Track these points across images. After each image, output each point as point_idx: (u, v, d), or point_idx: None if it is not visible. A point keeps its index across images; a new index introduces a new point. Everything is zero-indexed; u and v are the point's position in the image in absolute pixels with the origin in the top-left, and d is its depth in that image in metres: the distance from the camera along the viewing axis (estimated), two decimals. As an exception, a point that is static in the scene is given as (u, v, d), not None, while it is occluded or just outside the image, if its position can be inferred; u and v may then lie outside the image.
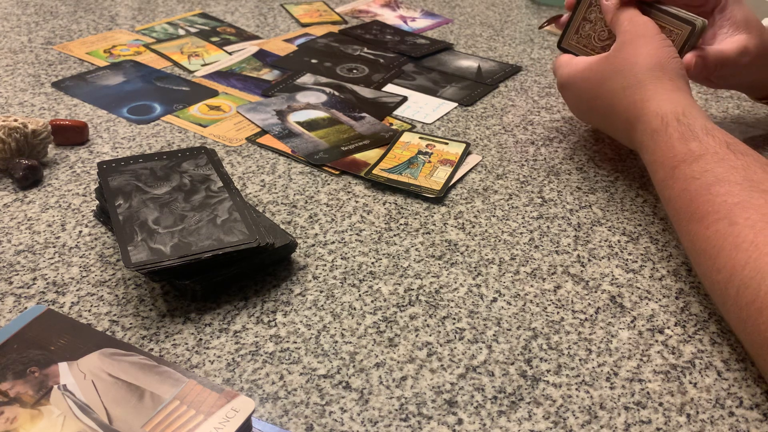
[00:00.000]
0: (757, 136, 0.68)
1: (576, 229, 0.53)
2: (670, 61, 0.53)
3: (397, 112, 0.70)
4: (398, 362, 0.40)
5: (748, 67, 0.58)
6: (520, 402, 0.38)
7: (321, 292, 0.46)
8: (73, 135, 0.62)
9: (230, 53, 0.82)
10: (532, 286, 0.47)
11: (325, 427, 0.36)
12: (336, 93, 0.72)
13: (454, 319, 0.44)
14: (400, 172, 0.58)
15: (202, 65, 0.79)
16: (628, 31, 0.55)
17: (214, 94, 0.72)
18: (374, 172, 0.58)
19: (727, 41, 0.57)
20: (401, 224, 0.53)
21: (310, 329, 0.43)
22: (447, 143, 0.63)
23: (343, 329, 0.43)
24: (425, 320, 0.44)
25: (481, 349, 0.42)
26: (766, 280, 0.37)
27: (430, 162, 0.60)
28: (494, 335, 0.43)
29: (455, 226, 0.53)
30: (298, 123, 0.66)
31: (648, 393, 0.39)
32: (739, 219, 0.41)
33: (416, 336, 0.42)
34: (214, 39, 0.86)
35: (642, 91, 0.51)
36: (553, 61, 0.64)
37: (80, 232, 0.51)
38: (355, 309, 0.44)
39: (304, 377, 0.39)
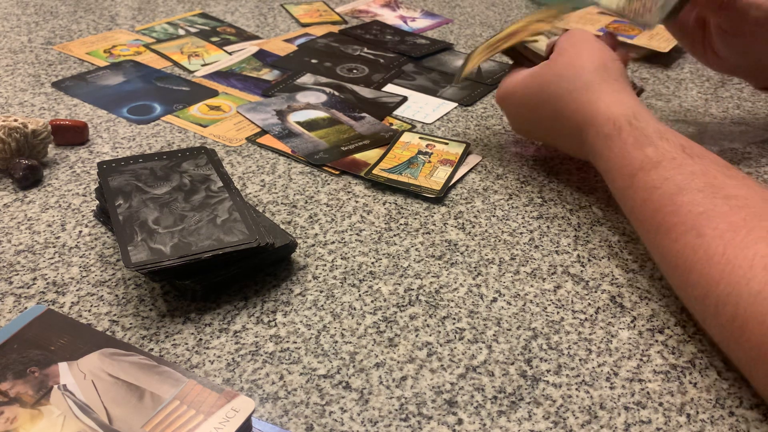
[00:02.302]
0: (757, 136, 0.68)
1: (576, 229, 0.53)
2: (613, 62, 0.53)
3: (397, 112, 0.70)
4: (398, 362, 0.40)
5: (755, 34, 0.56)
6: (520, 402, 0.38)
7: (321, 292, 0.46)
8: (73, 135, 0.62)
9: (230, 53, 0.82)
10: (532, 286, 0.47)
11: (325, 427, 0.36)
12: (336, 93, 0.72)
13: (454, 319, 0.44)
14: (400, 172, 0.58)
15: (202, 65, 0.79)
16: (566, 39, 0.56)
17: (214, 94, 0.72)
18: (374, 172, 0.58)
19: None
20: (401, 224, 0.53)
21: (310, 329, 0.43)
22: (447, 143, 0.63)
23: (343, 329, 0.43)
24: (425, 320, 0.44)
25: (481, 349, 0.42)
26: (743, 296, 0.36)
27: (430, 162, 0.60)
28: (494, 335, 0.43)
29: (455, 226, 0.53)
30: (298, 123, 0.66)
31: (648, 393, 0.39)
32: (707, 230, 0.40)
33: (416, 336, 0.42)
34: (214, 39, 0.86)
35: (589, 93, 0.51)
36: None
37: (80, 232, 0.51)
38: (355, 309, 0.44)
39: (304, 377, 0.39)
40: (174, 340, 0.41)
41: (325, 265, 0.48)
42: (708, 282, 0.39)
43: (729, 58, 0.61)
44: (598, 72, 0.52)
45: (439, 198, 0.56)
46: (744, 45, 0.59)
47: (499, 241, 0.51)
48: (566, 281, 0.47)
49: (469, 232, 0.52)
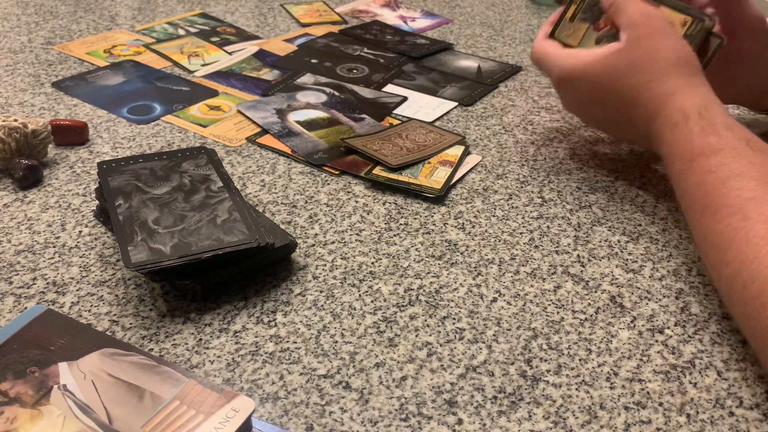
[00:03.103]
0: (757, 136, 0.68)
1: (576, 229, 0.53)
2: (691, 56, 0.53)
3: (397, 111, 0.70)
4: (398, 362, 0.40)
5: (759, 61, 0.58)
6: (520, 402, 0.38)
7: (321, 292, 0.46)
8: (73, 135, 0.62)
9: (230, 53, 0.82)
10: (532, 286, 0.47)
11: (325, 427, 0.36)
12: (336, 93, 0.72)
13: (454, 319, 0.44)
14: (400, 172, 0.58)
15: (202, 65, 0.79)
16: (643, 24, 0.53)
17: (214, 94, 0.72)
18: (374, 172, 0.58)
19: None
20: (401, 224, 0.53)
21: (310, 329, 0.43)
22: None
23: (343, 329, 0.43)
24: (425, 320, 0.44)
25: (481, 349, 0.42)
26: None
27: (429, 162, 0.60)
28: (494, 335, 0.43)
29: (455, 226, 0.53)
30: (298, 122, 0.66)
31: (648, 393, 0.39)
32: (753, 214, 0.41)
33: (416, 336, 0.42)
34: (214, 39, 0.86)
35: (666, 85, 0.51)
36: (542, 53, 0.59)
37: (80, 232, 0.51)
38: (355, 309, 0.44)
39: (304, 377, 0.39)
40: (174, 340, 0.41)
41: (325, 265, 0.48)
42: (742, 260, 0.40)
43: (727, 92, 0.62)
44: (679, 67, 0.52)
45: (439, 198, 0.56)
46: (744, 86, 0.61)
47: (499, 241, 0.51)
48: (566, 281, 0.47)
49: (469, 232, 0.52)
